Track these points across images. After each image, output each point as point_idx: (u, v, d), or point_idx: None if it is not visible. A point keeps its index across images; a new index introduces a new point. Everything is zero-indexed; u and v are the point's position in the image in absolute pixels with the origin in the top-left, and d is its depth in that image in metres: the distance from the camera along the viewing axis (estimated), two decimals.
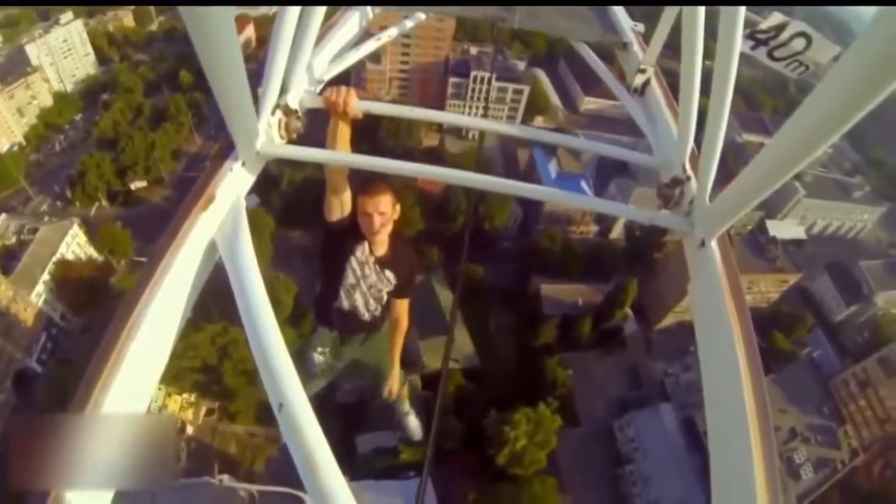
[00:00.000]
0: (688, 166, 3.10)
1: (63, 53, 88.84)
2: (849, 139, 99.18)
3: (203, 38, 1.75)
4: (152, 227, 62.46)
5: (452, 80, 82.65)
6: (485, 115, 4.82)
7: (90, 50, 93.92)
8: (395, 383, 4.60)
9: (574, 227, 71.51)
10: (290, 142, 3.03)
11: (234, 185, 2.65)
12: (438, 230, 59.55)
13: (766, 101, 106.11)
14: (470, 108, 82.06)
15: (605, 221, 73.02)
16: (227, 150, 2.73)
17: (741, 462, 1.96)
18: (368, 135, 65.34)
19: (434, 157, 67.22)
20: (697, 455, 47.49)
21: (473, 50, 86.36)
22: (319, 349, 4.30)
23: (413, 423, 5.54)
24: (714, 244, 2.65)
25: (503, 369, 52.62)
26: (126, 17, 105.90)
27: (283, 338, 2.00)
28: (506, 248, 68.26)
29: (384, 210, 3.53)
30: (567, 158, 74.83)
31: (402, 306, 4.21)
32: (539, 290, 61.18)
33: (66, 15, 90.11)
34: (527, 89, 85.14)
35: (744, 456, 1.96)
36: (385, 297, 3.96)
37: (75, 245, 57.80)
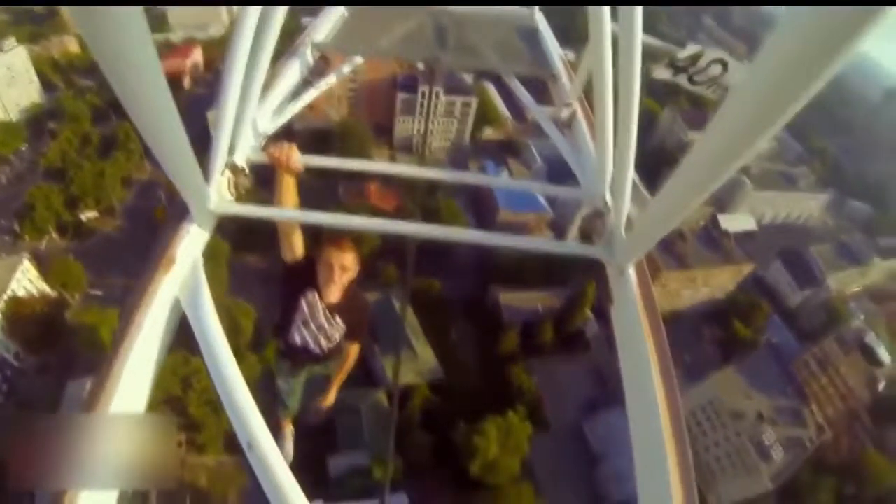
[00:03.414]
0: (608, 197, 3.23)
1: (7, 82, 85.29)
2: (790, 130, 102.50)
3: (140, 111, 1.64)
4: (105, 258, 60.41)
5: (401, 95, 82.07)
6: (424, 135, 4.89)
7: (34, 77, 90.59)
8: (328, 402, 4.82)
9: (529, 234, 71.81)
10: (240, 198, 3.15)
11: (191, 245, 2.81)
12: (393, 246, 59.11)
13: (710, 98, 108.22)
14: (419, 122, 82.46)
15: (559, 228, 73.65)
16: (181, 209, 2.82)
17: (658, 465, 2.19)
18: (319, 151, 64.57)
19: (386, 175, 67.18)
20: None
21: (421, 65, 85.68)
22: (281, 379, 4.48)
23: (286, 448, 5.37)
24: (631, 271, 2.89)
25: (468, 380, 52.32)
26: (70, 42, 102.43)
27: (246, 363, 2.15)
28: (461, 260, 67.95)
29: (348, 266, 3.62)
30: (518, 168, 75.75)
31: (353, 350, 4.30)
32: (498, 298, 61.22)
33: (10, 41, 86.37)
34: (475, 101, 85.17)
35: (660, 458, 2.20)
36: (338, 339, 3.98)
37: (26, 281, 55.53)
